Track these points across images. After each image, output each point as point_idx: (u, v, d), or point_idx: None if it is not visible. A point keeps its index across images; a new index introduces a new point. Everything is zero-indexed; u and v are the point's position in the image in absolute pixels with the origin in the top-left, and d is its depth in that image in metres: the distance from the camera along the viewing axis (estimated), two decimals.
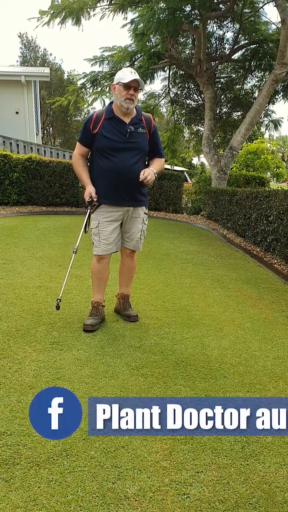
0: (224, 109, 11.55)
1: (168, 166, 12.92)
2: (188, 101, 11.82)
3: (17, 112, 13.44)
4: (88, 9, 9.41)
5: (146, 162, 2.80)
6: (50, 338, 2.57)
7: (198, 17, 8.76)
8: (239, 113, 11.46)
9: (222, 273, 4.58)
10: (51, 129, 29.52)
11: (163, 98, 11.81)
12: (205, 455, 1.64)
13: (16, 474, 1.49)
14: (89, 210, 2.72)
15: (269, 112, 11.16)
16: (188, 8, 8.55)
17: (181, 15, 8.18)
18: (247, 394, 2.10)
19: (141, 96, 11.92)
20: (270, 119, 11.29)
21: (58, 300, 2.73)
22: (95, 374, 2.18)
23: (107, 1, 9.60)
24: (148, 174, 2.58)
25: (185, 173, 16.84)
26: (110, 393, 2.00)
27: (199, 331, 2.86)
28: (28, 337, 2.57)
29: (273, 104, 10.82)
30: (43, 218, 7.57)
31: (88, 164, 2.78)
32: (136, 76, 2.52)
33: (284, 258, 5.24)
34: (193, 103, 11.78)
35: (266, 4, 9.05)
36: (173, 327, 2.91)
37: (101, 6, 9.61)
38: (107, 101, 10.36)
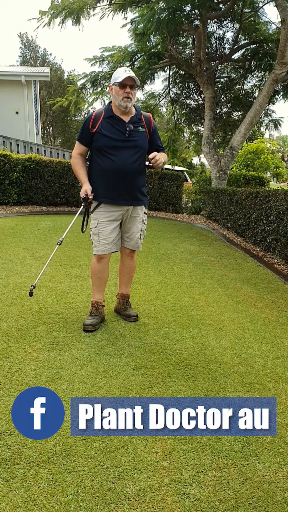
0: (224, 109, 11.55)
1: (169, 166, 12.92)
2: (188, 101, 11.83)
3: (17, 112, 13.43)
4: (88, 9, 9.41)
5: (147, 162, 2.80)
6: (50, 338, 2.57)
7: (198, 17, 8.76)
8: (239, 113, 11.46)
9: (222, 273, 4.58)
10: (51, 129, 29.50)
11: (163, 98, 11.82)
12: (205, 455, 1.64)
13: (16, 474, 1.49)
14: (82, 206, 2.72)
15: (269, 112, 11.18)
16: (188, 8, 8.56)
17: (181, 15, 8.18)
18: (247, 394, 2.10)
19: (141, 96, 11.95)
20: (270, 118, 11.31)
21: (32, 287, 2.74)
22: (95, 374, 2.18)
23: (107, 1, 9.61)
24: (159, 157, 2.58)
25: (185, 173, 16.84)
26: (110, 393, 2.00)
27: (199, 331, 2.86)
28: (28, 337, 2.57)
29: (273, 104, 10.85)
30: (43, 218, 7.56)
31: (88, 163, 2.79)
32: (131, 74, 2.52)
33: (284, 258, 5.24)
34: (193, 103, 11.79)
35: (266, 4, 9.06)
36: (173, 327, 2.91)
37: (101, 6, 9.63)
38: (107, 102, 10.35)
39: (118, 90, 2.55)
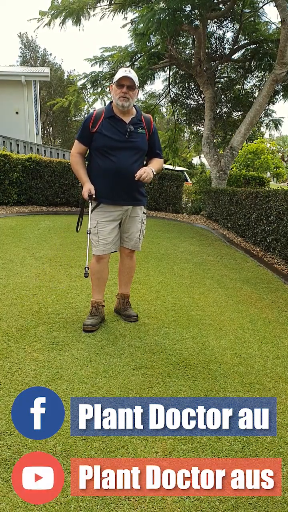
0: (224, 109, 11.55)
1: (170, 166, 12.91)
2: (188, 101, 11.83)
3: (17, 112, 13.44)
4: (88, 9, 9.41)
5: (145, 162, 2.80)
6: (50, 338, 2.57)
7: (198, 17, 8.76)
8: (239, 113, 11.46)
9: (222, 273, 4.58)
10: (51, 129, 29.51)
11: (163, 98, 11.82)
12: (205, 455, 1.64)
13: None
14: (92, 205, 2.71)
15: (269, 112, 11.18)
16: (188, 8, 8.55)
17: (181, 15, 8.18)
18: (247, 394, 2.10)
19: (141, 96, 11.94)
20: (270, 118, 11.30)
21: (87, 268, 2.66)
22: (95, 374, 2.18)
23: (107, 1, 9.61)
24: (144, 172, 2.59)
25: (185, 173, 16.83)
26: (110, 393, 2.00)
27: (199, 331, 2.86)
28: (28, 337, 2.57)
29: (273, 104, 10.83)
30: (43, 218, 7.57)
31: (86, 163, 2.79)
32: (128, 74, 2.53)
33: (284, 258, 5.24)
34: (193, 103, 11.79)
35: (266, 4, 9.06)
36: (173, 327, 2.91)
37: (101, 6, 9.62)
38: (108, 102, 10.35)
39: (115, 89, 2.57)
